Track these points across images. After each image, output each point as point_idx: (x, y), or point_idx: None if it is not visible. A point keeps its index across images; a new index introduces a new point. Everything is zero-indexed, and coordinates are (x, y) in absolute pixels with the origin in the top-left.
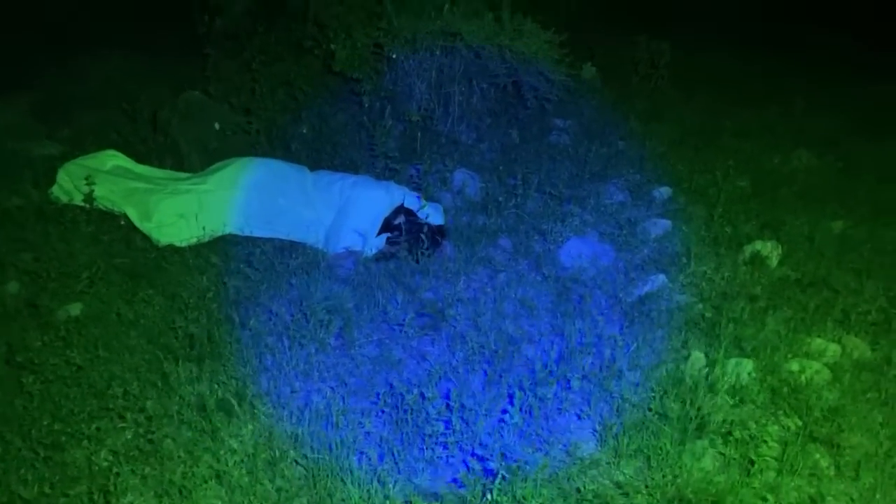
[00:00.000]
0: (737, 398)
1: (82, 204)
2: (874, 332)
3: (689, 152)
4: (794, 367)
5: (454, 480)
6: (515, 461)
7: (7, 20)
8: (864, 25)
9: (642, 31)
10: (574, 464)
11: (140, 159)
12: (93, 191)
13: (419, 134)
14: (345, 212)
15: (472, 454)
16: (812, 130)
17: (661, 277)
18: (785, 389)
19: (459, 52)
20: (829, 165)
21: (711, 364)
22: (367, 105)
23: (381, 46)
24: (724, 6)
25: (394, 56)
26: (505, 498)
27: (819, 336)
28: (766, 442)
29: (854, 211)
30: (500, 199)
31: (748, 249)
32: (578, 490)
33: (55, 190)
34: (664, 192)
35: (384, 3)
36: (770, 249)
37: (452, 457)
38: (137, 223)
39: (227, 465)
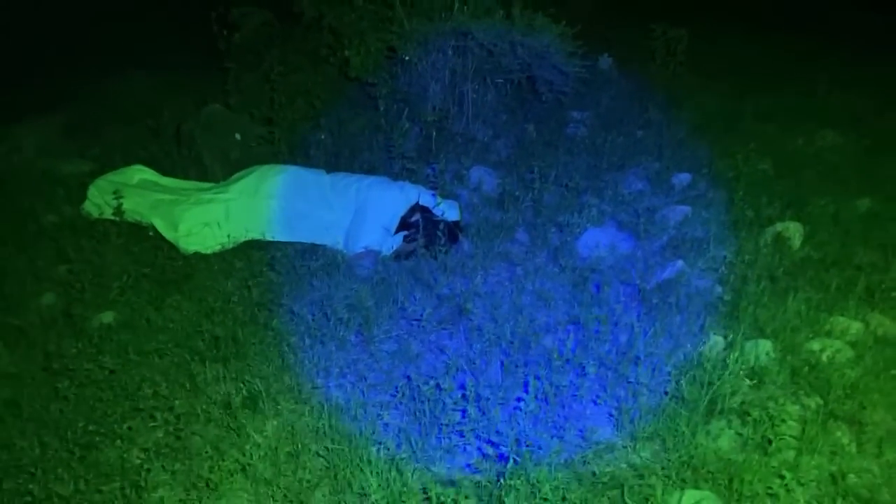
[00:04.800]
0: (755, 379)
1: (112, 217)
2: None
3: (709, 138)
4: (815, 346)
5: (468, 466)
6: (528, 447)
7: (35, 46)
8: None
9: (659, 19)
10: (589, 448)
11: (165, 172)
12: (121, 204)
13: (434, 133)
14: (362, 213)
15: (488, 441)
16: (836, 110)
17: (680, 263)
18: (805, 369)
19: (472, 51)
20: (854, 144)
21: (730, 346)
22: (383, 108)
23: (395, 50)
24: None
25: (407, 58)
26: (519, 482)
27: (842, 315)
28: (784, 421)
29: (881, 188)
30: (517, 193)
31: (770, 231)
32: (593, 474)
33: (86, 205)
34: (684, 178)
35: (395, 7)
36: (792, 230)
37: (468, 445)
38: (164, 233)
39: (252, 459)
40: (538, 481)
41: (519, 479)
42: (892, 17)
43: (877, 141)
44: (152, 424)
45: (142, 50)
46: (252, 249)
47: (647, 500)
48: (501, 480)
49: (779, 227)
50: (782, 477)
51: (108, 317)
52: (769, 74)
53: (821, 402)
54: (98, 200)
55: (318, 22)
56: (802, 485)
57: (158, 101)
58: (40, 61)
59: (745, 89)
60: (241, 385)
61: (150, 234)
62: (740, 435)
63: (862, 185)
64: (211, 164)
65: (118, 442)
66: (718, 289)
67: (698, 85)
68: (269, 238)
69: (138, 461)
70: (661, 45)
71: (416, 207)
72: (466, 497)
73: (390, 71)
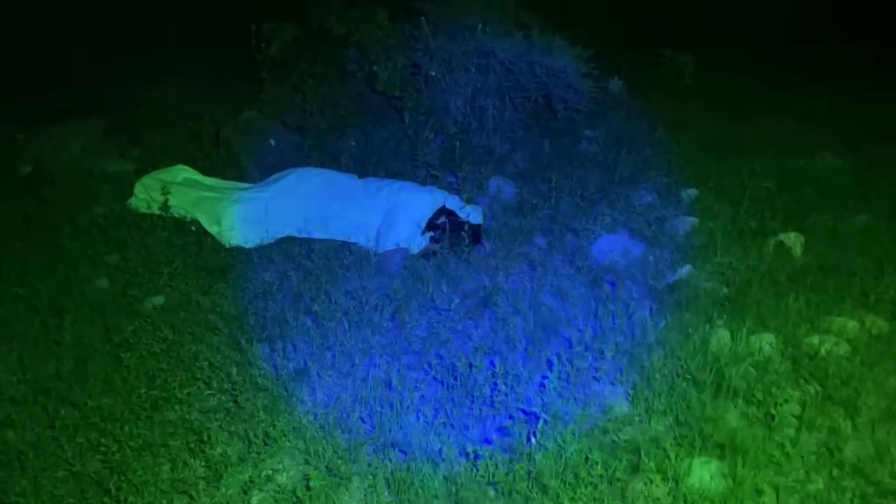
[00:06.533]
0: (759, 367)
1: (158, 212)
2: (894, 311)
3: (714, 157)
4: (815, 340)
5: (501, 429)
6: (555, 413)
7: (77, 53)
8: (887, 39)
9: (663, 47)
10: (609, 420)
11: (205, 173)
12: (168, 199)
13: (457, 145)
14: (393, 214)
15: (518, 409)
16: (834, 135)
17: (688, 267)
18: (805, 359)
19: (493, 69)
20: (851, 166)
21: (735, 338)
22: (408, 120)
23: (420, 66)
24: (745, 26)
25: (432, 74)
26: (548, 441)
27: (839, 315)
28: (786, 401)
29: (877, 206)
30: (534, 202)
31: (772, 241)
32: (613, 441)
33: (133, 200)
34: (691, 193)
35: (421, 26)
36: (794, 240)
37: (499, 415)
38: (208, 227)
39: (303, 422)
40: (564, 442)
41: (547, 438)
42: (883, 50)
43: (872, 164)
44: (208, 392)
45: (170, 63)
46: (288, 244)
47: (661, 463)
48: (532, 439)
49: (781, 237)
50: (783, 448)
51: (158, 300)
52: (768, 102)
53: (819, 387)
54: (144, 196)
55: (346, 39)
56: (802, 456)
57: (193, 109)
58: (75, 71)
59: (746, 115)
60: (287, 361)
61: (193, 228)
62: (745, 413)
63: (858, 203)
64: (248, 167)
65: (177, 406)
66: (724, 290)
67: (702, 109)
68: (304, 235)
69: (198, 422)
70: (669, 70)
71: (443, 210)
72: (502, 453)
73: (415, 86)
